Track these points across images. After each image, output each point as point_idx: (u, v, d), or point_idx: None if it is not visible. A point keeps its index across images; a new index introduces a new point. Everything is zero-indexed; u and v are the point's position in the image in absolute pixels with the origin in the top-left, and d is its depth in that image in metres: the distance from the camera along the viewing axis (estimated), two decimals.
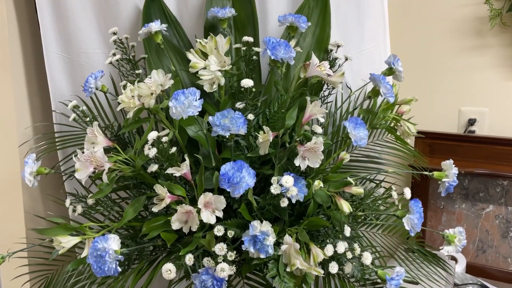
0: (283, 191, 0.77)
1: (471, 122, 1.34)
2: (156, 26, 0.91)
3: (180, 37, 1.08)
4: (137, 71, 0.98)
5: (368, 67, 1.11)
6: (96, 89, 0.94)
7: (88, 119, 0.92)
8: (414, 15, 1.37)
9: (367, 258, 0.82)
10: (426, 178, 1.35)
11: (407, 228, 0.85)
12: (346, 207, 0.82)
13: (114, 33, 0.98)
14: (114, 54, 0.97)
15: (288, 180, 0.76)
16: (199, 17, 1.09)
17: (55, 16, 1.09)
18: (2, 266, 0.85)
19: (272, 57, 0.83)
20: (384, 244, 1.14)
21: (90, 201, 0.86)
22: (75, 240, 0.79)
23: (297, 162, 0.79)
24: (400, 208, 0.87)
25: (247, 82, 0.83)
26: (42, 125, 1.16)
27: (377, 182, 1.03)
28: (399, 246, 1.18)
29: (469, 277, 1.28)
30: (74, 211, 0.88)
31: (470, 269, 1.31)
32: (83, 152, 0.80)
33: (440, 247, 1.00)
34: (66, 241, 0.79)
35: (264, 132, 0.81)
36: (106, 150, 0.86)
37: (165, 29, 0.94)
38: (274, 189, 0.77)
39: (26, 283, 1.07)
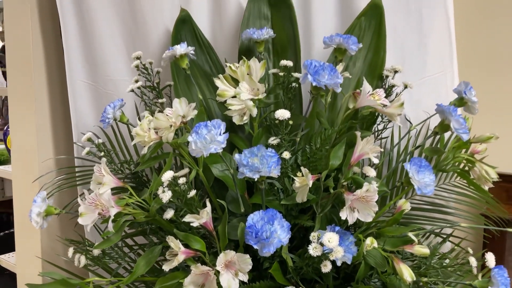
0: (325, 252, 0.61)
1: None
2: (181, 49, 0.80)
3: (213, 62, 0.97)
4: (160, 100, 0.87)
5: (432, 97, 0.94)
6: (115, 119, 0.84)
7: (102, 153, 0.81)
8: (485, 37, 1.18)
9: None
10: (502, 231, 1.12)
11: None
12: (407, 274, 0.64)
13: (137, 58, 0.87)
14: (136, 81, 0.87)
15: (331, 238, 0.60)
16: (235, 40, 0.97)
17: (81, 40, 1.02)
18: None
19: (314, 84, 0.69)
20: None
21: (96, 252, 0.73)
22: None
23: (343, 214, 0.63)
24: (479, 278, 0.67)
25: (282, 113, 0.68)
26: (65, 159, 1.08)
27: (444, 236, 0.84)
28: None
29: None
30: (81, 264, 0.76)
31: None
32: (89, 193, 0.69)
33: None
34: None
35: (302, 175, 0.65)
36: (121, 191, 0.74)
37: (192, 52, 0.83)
38: (314, 250, 0.61)
39: None
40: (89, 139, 0.83)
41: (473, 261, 0.69)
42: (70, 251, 0.77)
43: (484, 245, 1.16)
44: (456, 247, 0.87)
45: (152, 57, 0.95)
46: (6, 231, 2.15)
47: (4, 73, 2.02)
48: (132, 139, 0.94)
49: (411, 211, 0.91)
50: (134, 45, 1.01)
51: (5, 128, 1.29)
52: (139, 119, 0.95)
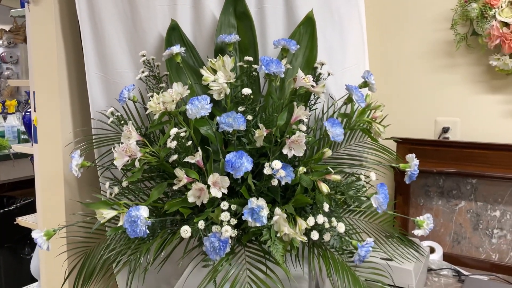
0: (273, 173, 1.00)
1: (445, 130, 1.56)
2: (176, 49, 1.17)
3: (195, 58, 1.34)
4: (160, 85, 1.23)
5: (350, 82, 1.34)
6: (129, 99, 1.19)
7: (122, 122, 1.17)
8: (393, 39, 1.62)
9: (341, 227, 1.03)
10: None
11: (374, 205, 1.06)
12: (324, 188, 1.04)
13: (143, 55, 1.24)
14: (143, 72, 1.23)
15: (277, 163, 0.99)
16: (211, 42, 1.35)
17: (95, 43, 1.37)
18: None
19: (266, 71, 1.08)
20: (369, 231, 1.34)
21: (125, 184, 1.10)
22: (114, 212, 1.03)
23: (284, 151, 1.02)
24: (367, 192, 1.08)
25: (246, 91, 1.07)
26: (81, 131, 1.42)
27: (357, 175, 1.25)
28: (382, 232, 1.38)
29: (445, 264, 1.47)
30: (111, 194, 1.12)
31: (448, 258, 1.51)
32: (119, 145, 1.05)
33: (412, 231, 1.21)
34: (107, 213, 1.02)
35: (260, 129, 1.04)
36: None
37: (183, 51, 1.20)
38: (267, 171, 1.00)
39: (65, 261, 1.31)
40: (112, 113, 1.19)
41: (362, 177, 1.10)
42: (107, 184, 1.12)
43: (395, 189, 1.60)
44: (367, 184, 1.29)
45: (149, 54, 1.31)
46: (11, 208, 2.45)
47: None
48: (138, 113, 1.31)
49: (336, 159, 1.33)
50: (134, 46, 1.37)
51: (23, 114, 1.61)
52: (143, 99, 1.31)
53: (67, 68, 1.41)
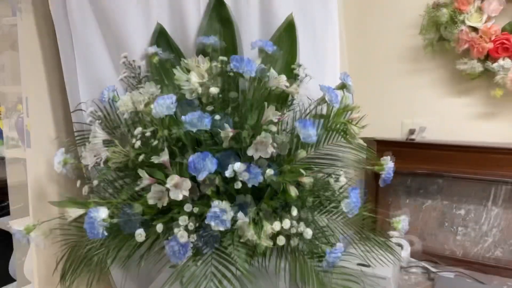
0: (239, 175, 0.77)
1: (412, 131, 1.30)
2: (152, 49, 0.96)
3: (181, 60, 1.11)
4: (141, 85, 1.01)
5: (330, 84, 1.10)
6: (109, 99, 0.98)
7: (100, 121, 0.96)
8: (365, 45, 1.37)
9: (308, 233, 0.79)
10: (376, 178, 1.30)
11: (345, 210, 0.82)
12: (293, 192, 0.81)
13: (125, 57, 1.02)
14: (124, 73, 1.02)
15: (239, 166, 0.76)
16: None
17: (85, 50, 1.14)
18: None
19: (235, 70, 0.85)
20: (345, 233, 1.10)
21: (95, 182, 0.89)
22: (80, 211, 0.82)
23: (249, 152, 0.79)
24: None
25: (213, 90, 0.84)
26: (64, 134, 1.22)
27: (328, 174, 1.01)
28: (358, 234, 1.14)
29: (413, 261, 1.21)
30: (85, 192, 0.92)
31: (414, 255, 1.25)
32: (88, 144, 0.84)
33: (388, 232, 0.97)
34: (73, 212, 0.82)
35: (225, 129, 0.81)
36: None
37: (160, 51, 0.98)
38: (229, 174, 0.77)
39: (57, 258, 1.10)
40: (93, 112, 0.98)
41: (332, 181, 0.85)
42: (78, 183, 0.92)
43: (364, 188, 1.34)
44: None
45: (138, 59, 1.09)
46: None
47: None
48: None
49: (314, 159, 1.08)
50: (117, 52, 1.13)
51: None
52: None
53: (59, 73, 1.22)
